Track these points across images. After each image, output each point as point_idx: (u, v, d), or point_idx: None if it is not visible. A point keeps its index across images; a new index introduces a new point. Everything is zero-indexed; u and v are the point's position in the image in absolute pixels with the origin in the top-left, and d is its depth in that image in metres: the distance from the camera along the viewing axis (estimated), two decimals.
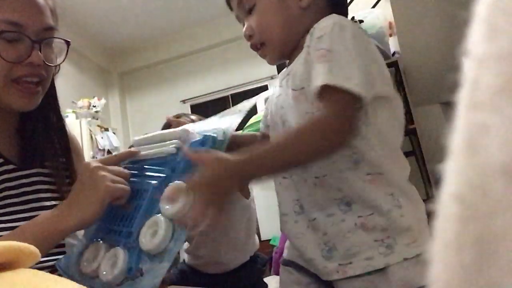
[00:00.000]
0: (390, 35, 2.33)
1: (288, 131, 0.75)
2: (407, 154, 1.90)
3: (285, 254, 0.87)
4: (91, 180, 0.69)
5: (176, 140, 0.74)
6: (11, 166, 0.80)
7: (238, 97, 4.86)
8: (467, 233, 0.15)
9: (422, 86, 2.09)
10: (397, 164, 0.76)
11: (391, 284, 0.69)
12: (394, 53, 2.28)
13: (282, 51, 0.81)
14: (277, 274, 1.02)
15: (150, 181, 0.72)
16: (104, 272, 0.66)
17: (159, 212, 0.67)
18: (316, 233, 0.75)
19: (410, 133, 1.97)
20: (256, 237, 1.46)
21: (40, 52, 0.76)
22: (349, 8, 2.43)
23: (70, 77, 4.40)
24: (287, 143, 0.66)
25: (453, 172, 0.17)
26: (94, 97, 5.13)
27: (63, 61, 0.84)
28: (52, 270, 0.75)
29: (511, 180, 0.14)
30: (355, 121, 0.68)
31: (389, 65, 2.06)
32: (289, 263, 0.84)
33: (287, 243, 0.86)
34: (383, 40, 2.22)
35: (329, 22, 0.72)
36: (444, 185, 0.17)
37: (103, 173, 0.69)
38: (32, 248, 0.35)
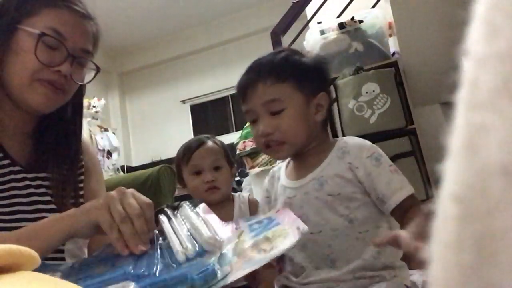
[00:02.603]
0: (390, 35, 2.33)
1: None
2: (406, 154, 1.90)
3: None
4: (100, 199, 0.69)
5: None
6: (16, 168, 0.83)
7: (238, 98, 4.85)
8: (466, 233, 0.15)
9: (421, 86, 2.09)
10: None
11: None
12: (393, 53, 2.28)
13: (296, 152, 0.92)
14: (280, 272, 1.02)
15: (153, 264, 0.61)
16: None
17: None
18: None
19: (410, 133, 1.96)
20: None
21: (72, 66, 0.82)
22: (349, 8, 2.44)
23: None
24: None
25: (452, 172, 0.17)
26: (94, 97, 5.13)
27: (89, 82, 0.90)
28: None
29: (510, 180, 0.14)
30: None
31: (388, 65, 2.06)
32: None
33: None
34: (383, 40, 2.22)
35: (366, 143, 0.88)
36: (443, 185, 0.17)
37: (112, 197, 0.67)
38: (33, 252, 0.35)
